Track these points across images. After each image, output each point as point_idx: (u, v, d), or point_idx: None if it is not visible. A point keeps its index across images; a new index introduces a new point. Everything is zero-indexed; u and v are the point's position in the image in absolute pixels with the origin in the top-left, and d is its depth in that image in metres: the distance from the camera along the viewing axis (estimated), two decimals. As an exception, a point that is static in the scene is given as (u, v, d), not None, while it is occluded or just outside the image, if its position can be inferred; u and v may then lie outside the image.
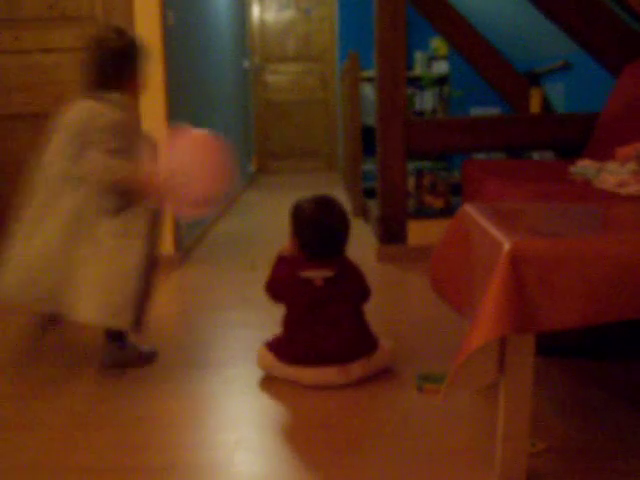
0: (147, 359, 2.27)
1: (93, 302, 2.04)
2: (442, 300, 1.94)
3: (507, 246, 1.35)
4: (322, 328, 2.02)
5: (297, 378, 2.04)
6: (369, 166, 5.43)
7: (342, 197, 5.78)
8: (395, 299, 2.93)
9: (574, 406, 1.86)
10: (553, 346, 2.17)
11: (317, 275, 2.03)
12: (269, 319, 2.46)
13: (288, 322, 2.11)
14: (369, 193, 4.90)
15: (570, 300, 1.34)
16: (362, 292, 2.13)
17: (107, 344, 2.22)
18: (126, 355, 2.22)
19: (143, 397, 2.02)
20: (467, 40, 4.00)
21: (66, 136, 2.10)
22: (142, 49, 2.22)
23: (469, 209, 1.79)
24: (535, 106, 3.77)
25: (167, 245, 3.69)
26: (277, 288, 2.14)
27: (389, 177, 3.58)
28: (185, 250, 3.88)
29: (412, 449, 1.66)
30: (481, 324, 1.32)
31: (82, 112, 2.09)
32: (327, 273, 2.03)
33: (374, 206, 4.13)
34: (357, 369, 2.03)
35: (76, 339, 2.51)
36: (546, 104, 3.91)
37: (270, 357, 2.09)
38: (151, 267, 2.16)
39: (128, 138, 2.11)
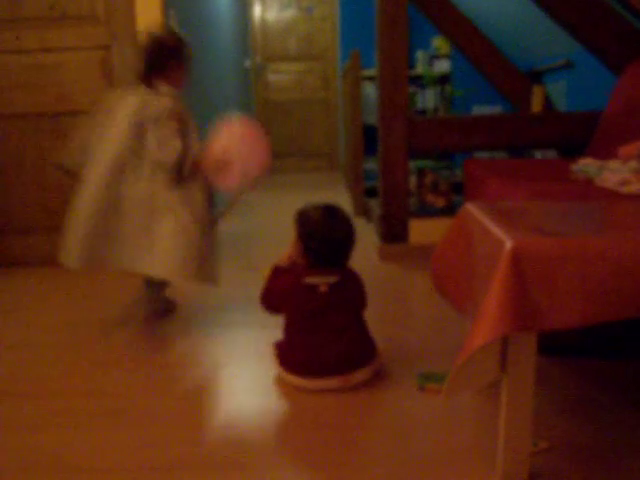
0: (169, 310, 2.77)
1: (164, 258, 2.35)
2: (444, 299, 1.94)
3: (509, 245, 1.35)
4: (325, 335, 2.02)
5: (300, 385, 2.04)
6: (371, 165, 5.43)
7: (344, 196, 5.79)
8: (397, 298, 2.93)
9: (576, 405, 1.86)
10: (555, 345, 2.16)
11: (322, 281, 2.03)
12: (270, 319, 2.46)
13: (290, 329, 2.10)
14: (371, 192, 4.90)
15: (572, 299, 1.34)
16: (363, 299, 2.14)
17: (149, 294, 2.63)
18: (163, 304, 2.71)
19: (143, 394, 2.02)
20: (469, 39, 3.99)
21: (128, 120, 2.40)
22: (186, 48, 2.59)
23: (471, 208, 1.79)
24: (537, 104, 3.77)
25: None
26: (274, 299, 2.15)
27: (391, 176, 3.58)
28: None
29: (413, 448, 1.66)
30: (483, 323, 1.32)
31: (141, 100, 2.42)
32: (332, 279, 2.03)
33: (376, 205, 4.13)
34: (358, 377, 2.04)
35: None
36: (547, 103, 3.90)
37: (276, 362, 2.13)
38: (210, 227, 2.54)
39: (182, 123, 2.42)
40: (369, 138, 5.05)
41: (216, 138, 2.45)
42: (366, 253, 2.66)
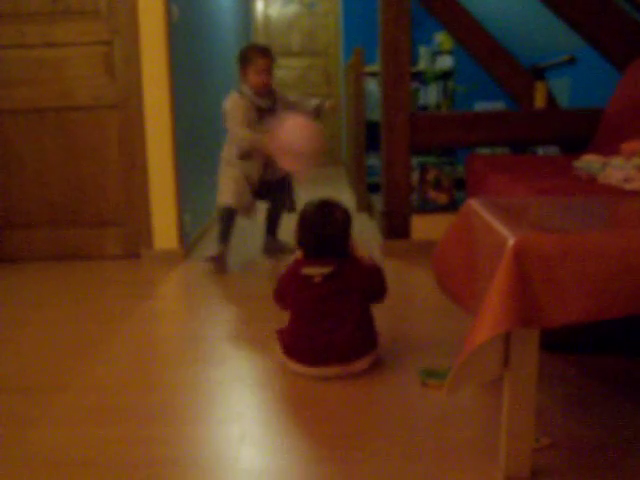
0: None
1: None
2: (446, 295, 1.94)
3: (512, 241, 1.35)
4: (323, 324, 2.07)
5: (302, 372, 2.10)
6: (373, 161, 5.43)
7: (346, 192, 5.78)
8: (399, 294, 2.93)
9: (579, 402, 1.86)
10: (557, 342, 2.16)
11: (315, 272, 2.09)
12: (274, 314, 2.47)
13: (292, 319, 2.16)
14: (373, 188, 4.90)
15: (575, 295, 1.34)
16: (366, 290, 2.14)
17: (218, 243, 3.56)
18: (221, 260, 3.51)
19: (148, 390, 2.03)
20: (472, 34, 3.98)
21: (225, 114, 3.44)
22: (252, 54, 3.43)
23: (473, 204, 1.79)
24: (540, 100, 3.75)
25: (171, 240, 3.71)
26: (279, 290, 2.23)
27: (393, 172, 3.58)
28: (189, 245, 3.88)
29: (416, 444, 1.66)
30: (486, 319, 1.32)
31: (228, 99, 3.45)
32: (325, 270, 2.09)
33: (378, 201, 4.13)
34: (359, 366, 2.09)
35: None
36: (550, 99, 3.89)
37: (280, 350, 2.18)
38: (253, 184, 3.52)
39: (249, 116, 3.39)
40: (371, 134, 5.05)
41: (279, 131, 3.17)
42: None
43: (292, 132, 3.14)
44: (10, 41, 3.59)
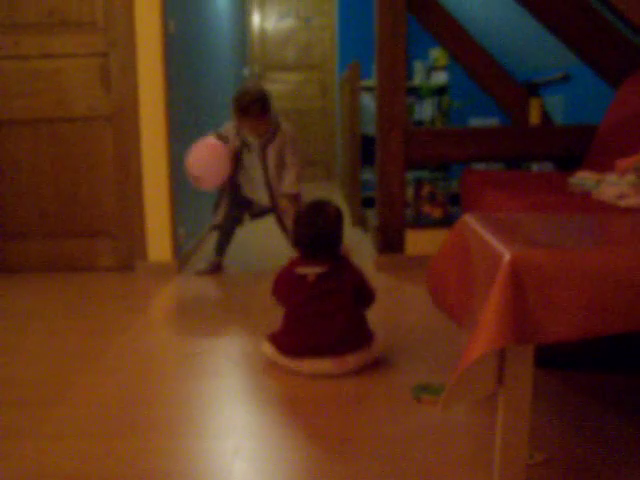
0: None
1: None
2: (440, 310, 1.93)
3: (507, 257, 1.35)
4: (316, 321, 2.18)
5: (296, 368, 2.19)
6: (367, 175, 5.44)
7: (341, 206, 5.78)
8: (392, 309, 2.93)
9: (573, 418, 1.85)
10: (552, 358, 2.16)
11: (309, 271, 2.20)
12: (266, 327, 2.46)
13: (286, 316, 2.27)
14: (368, 202, 4.90)
15: (570, 312, 1.34)
16: (357, 290, 2.23)
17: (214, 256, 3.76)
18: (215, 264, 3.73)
19: (140, 404, 2.02)
20: (467, 50, 3.99)
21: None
22: (238, 103, 3.50)
23: (468, 219, 1.79)
24: (534, 117, 3.77)
25: (165, 253, 3.70)
26: (276, 288, 2.32)
27: (388, 186, 3.58)
28: (183, 258, 3.88)
29: (409, 460, 1.65)
30: (481, 335, 1.32)
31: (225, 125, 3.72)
32: (319, 270, 2.20)
33: (372, 216, 4.13)
34: (352, 360, 2.18)
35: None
36: (545, 115, 3.91)
37: (272, 349, 2.26)
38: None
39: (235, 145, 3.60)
40: (366, 148, 5.05)
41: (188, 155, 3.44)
42: (362, 263, 2.68)
43: (198, 157, 3.44)
44: (6, 52, 3.59)
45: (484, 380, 1.41)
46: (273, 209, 3.70)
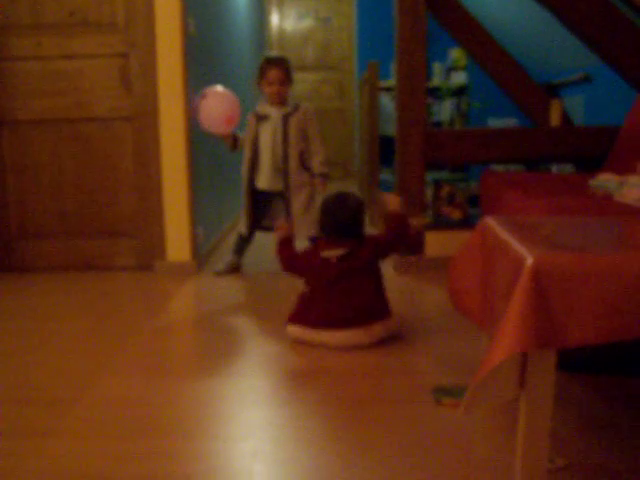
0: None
1: None
2: (460, 312, 1.93)
3: (530, 260, 1.34)
4: (343, 296, 2.42)
5: (327, 340, 2.42)
6: (386, 176, 5.43)
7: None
8: (412, 310, 2.92)
9: (595, 422, 1.84)
10: (574, 361, 2.15)
11: (331, 254, 2.45)
12: (285, 328, 2.46)
13: (313, 294, 2.49)
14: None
15: (593, 316, 1.33)
16: (377, 254, 2.51)
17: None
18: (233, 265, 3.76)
19: (158, 404, 2.02)
20: (486, 50, 3.98)
21: None
22: (267, 69, 3.59)
23: (489, 222, 1.78)
24: (555, 118, 3.75)
25: (184, 253, 3.71)
26: (299, 269, 2.60)
27: (407, 187, 3.57)
28: (202, 257, 3.89)
29: (429, 464, 1.64)
30: (503, 339, 1.31)
31: None
32: (340, 252, 2.44)
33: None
34: (379, 329, 2.43)
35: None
36: (565, 116, 3.89)
37: (298, 328, 2.48)
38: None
39: (251, 127, 3.66)
40: (384, 149, 5.05)
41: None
42: (381, 265, 2.67)
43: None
44: (27, 52, 3.61)
45: (506, 384, 1.41)
46: (284, 191, 3.62)
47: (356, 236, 2.50)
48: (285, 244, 2.64)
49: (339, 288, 2.44)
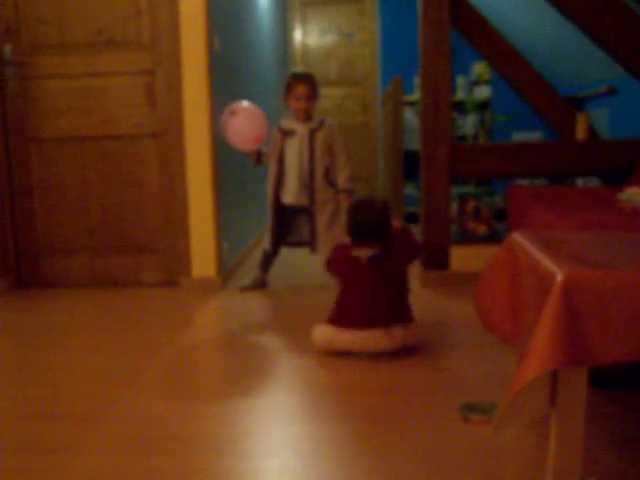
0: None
1: None
2: (487, 328, 1.91)
3: (560, 277, 1.32)
4: (368, 294, 2.52)
5: (351, 343, 2.48)
6: (409, 190, 5.42)
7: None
8: (437, 325, 2.90)
9: (625, 440, 1.81)
10: (605, 379, 2.12)
11: (362, 253, 2.53)
12: (312, 342, 2.45)
13: (343, 293, 2.61)
14: (410, 218, 4.88)
15: (624, 333, 1.31)
16: (404, 259, 2.65)
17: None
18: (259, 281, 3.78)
19: (186, 421, 2.02)
20: (511, 64, 3.97)
21: None
22: (293, 84, 3.63)
23: (518, 237, 1.77)
24: (581, 132, 3.72)
25: (209, 268, 3.72)
26: (334, 266, 2.71)
27: (433, 202, 3.56)
28: (227, 273, 3.89)
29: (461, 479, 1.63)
30: (533, 357, 1.29)
31: None
32: (370, 252, 2.53)
33: (416, 231, 4.10)
34: (399, 334, 2.48)
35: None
36: (590, 130, 3.86)
37: (329, 328, 2.54)
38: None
39: (276, 143, 3.69)
40: (408, 163, 5.04)
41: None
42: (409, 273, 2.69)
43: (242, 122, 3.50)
44: (55, 71, 3.66)
45: (537, 402, 1.39)
46: (309, 206, 3.62)
47: (384, 238, 2.56)
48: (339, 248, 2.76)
49: (365, 287, 2.53)
